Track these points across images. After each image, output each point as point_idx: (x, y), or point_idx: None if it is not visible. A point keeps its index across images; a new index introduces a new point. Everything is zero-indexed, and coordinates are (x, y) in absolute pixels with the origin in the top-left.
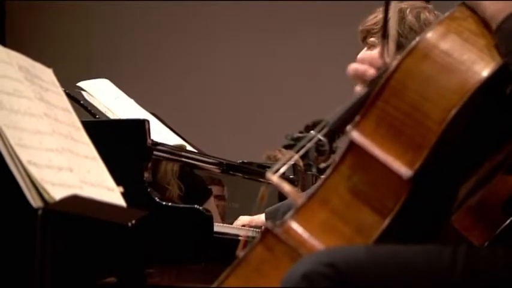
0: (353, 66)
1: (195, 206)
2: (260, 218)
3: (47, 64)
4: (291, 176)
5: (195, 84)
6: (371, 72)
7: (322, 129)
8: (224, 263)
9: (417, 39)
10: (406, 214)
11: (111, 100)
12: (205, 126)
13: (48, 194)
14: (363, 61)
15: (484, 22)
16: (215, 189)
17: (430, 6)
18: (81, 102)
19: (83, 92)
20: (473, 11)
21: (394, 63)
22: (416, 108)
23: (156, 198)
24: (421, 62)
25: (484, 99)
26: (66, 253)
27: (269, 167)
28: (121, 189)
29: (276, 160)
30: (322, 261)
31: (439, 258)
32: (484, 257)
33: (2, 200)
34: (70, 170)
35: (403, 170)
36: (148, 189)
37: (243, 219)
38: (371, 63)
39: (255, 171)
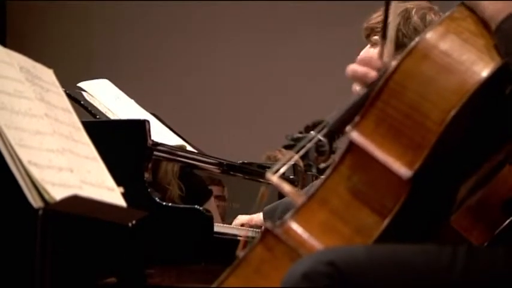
0: (352, 68)
1: (196, 206)
2: (259, 217)
3: (47, 64)
4: (291, 176)
5: (195, 84)
6: (372, 74)
7: (322, 129)
8: (224, 263)
9: (416, 39)
10: (406, 214)
11: (112, 100)
12: (205, 127)
13: (48, 194)
14: (362, 62)
15: (483, 22)
16: (215, 190)
17: (435, 7)
18: (82, 102)
19: (83, 93)
20: (472, 11)
21: (394, 63)
22: (415, 108)
23: (157, 198)
24: (421, 63)
25: (484, 100)
26: (67, 253)
27: (269, 167)
28: (121, 189)
29: (276, 160)
30: (322, 261)
31: (439, 258)
32: (483, 257)
33: (3, 200)
34: (70, 170)
35: (403, 170)
36: (149, 190)
37: (242, 218)
38: (370, 64)
39: (255, 172)
